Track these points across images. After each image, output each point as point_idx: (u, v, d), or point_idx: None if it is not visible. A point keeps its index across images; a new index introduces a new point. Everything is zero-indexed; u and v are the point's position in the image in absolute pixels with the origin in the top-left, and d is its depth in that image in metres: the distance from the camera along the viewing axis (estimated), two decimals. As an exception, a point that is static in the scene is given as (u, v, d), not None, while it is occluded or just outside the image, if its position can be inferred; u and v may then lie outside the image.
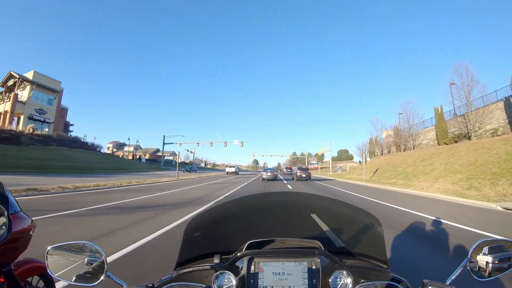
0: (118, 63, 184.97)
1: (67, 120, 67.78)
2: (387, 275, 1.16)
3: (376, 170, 34.80)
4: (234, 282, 1.12)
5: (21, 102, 49.17)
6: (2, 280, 1.60)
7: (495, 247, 1.10)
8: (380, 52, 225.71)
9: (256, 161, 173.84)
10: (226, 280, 1.14)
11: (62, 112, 57.46)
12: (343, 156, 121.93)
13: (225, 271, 1.14)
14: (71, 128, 67.88)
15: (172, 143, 65.08)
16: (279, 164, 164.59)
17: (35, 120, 50.90)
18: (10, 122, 48.12)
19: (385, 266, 1.22)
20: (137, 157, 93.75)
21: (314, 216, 1.48)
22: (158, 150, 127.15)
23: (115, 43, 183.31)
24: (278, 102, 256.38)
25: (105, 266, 1.08)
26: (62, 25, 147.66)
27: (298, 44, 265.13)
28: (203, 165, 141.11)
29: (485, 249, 1.08)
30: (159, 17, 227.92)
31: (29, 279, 1.99)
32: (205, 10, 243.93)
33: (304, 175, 31.93)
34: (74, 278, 1.08)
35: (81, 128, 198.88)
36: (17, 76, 49.03)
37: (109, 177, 26.83)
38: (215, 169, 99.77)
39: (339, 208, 1.52)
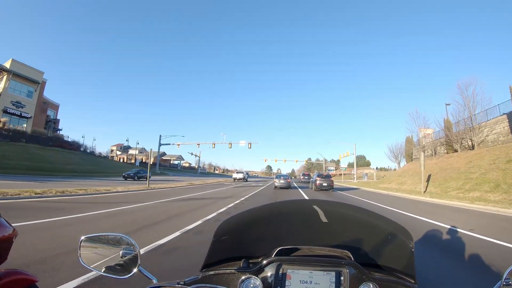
0: (118, 65, 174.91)
1: (58, 117, 61.38)
2: None
3: (428, 178, 25.17)
4: (260, 287, 1.11)
5: (-4, 93, 42.39)
6: None
7: None
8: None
9: (269, 167, 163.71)
10: (251, 285, 1.12)
11: (44, 106, 50.46)
12: (360, 162, 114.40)
13: (252, 275, 1.13)
14: (60, 126, 61.14)
15: (169, 144, 56.88)
16: (293, 170, 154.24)
17: (10, 113, 44.03)
18: (-16, 116, 41.76)
19: (413, 281, 1.19)
20: (132, 160, 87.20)
21: (343, 224, 1.47)
22: (164, 154, 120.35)
23: (113, 43, 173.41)
24: (292, 103, 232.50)
25: (139, 260, 1.08)
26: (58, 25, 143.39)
27: (312, 37, 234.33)
28: (211, 170, 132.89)
29: None
30: (159, 12, 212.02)
31: None
32: (211, 3, 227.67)
33: (325, 184, 25.31)
34: (105, 269, 1.09)
35: (84, 130, 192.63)
36: (-9, 65, 42.26)
37: (59, 182, 19.61)
38: (222, 175, 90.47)
39: (368, 218, 1.46)
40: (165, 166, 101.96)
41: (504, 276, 1.03)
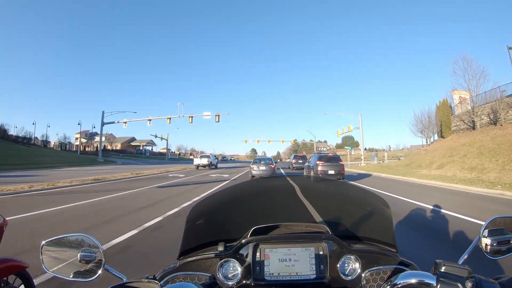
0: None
1: None
2: (395, 259, 1.14)
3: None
4: (239, 270, 1.09)
5: None
6: None
7: (495, 230, 1.06)
8: None
9: (254, 150, 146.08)
10: (231, 268, 1.11)
11: None
12: (348, 142, 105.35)
13: (230, 259, 1.11)
14: None
15: (113, 122, 42.37)
16: (278, 153, 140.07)
17: None
18: None
19: (394, 250, 1.19)
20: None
21: (320, 199, 1.47)
22: (133, 139, 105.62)
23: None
24: (274, 73, 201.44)
25: (103, 259, 1.02)
26: None
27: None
28: (188, 156, 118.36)
29: (486, 232, 1.05)
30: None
31: (5, 278, 1.95)
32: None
33: (332, 171, 16.40)
34: (71, 274, 1.01)
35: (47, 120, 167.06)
36: None
37: None
38: (185, 160, 72.66)
39: (345, 191, 1.50)
40: (131, 153, 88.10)
41: (481, 233, 1.04)
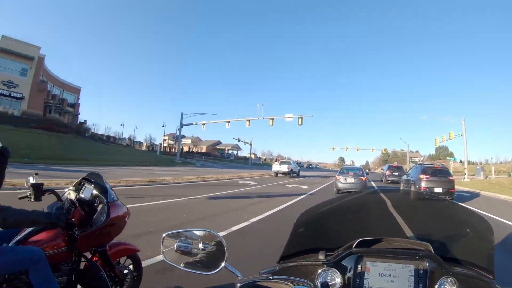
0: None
1: (79, 102, 54.48)
2: (491, 286, 1.08)
3: None
4: (338, 280, 1.09)
5: (-17, 73, 36.48)
6: (96, 258, 1.98)
7: None
8: None
9: (342, 159, 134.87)
10: (329, 278, 1.10)
11: (42, 85, 42.28)
12: (442, 153, 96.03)
13: (330, 268, 1.11)
14: (87, 113, 53.87)
15: (192, 124, 43.33)
16: (367, 162, 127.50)
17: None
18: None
19: (491, 277, 1.13)
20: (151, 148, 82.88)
21: (419, 216, 1.44)
22: (219, 143, 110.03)
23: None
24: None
25: (225, 255, 1.07)
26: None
27: None
28: (274, 161, 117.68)
29: None
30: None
31: (119, 260, 2.31)
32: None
33: (440, 189, 13.24)
34: (187, 265, 1.09)
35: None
36: (-23, 42, 36.23)
37: None
38: (269, 166, 70.87)
39: (449, 210, 1.47)
40: (215, 156, 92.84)
41: None
